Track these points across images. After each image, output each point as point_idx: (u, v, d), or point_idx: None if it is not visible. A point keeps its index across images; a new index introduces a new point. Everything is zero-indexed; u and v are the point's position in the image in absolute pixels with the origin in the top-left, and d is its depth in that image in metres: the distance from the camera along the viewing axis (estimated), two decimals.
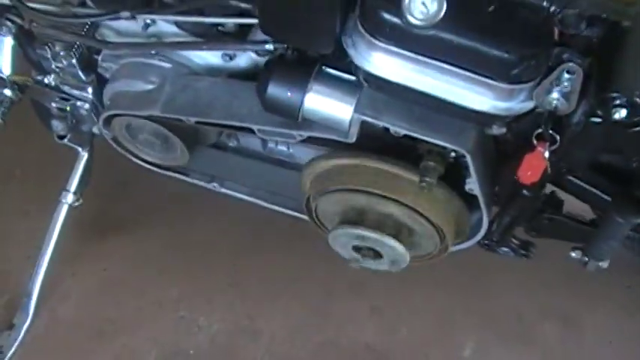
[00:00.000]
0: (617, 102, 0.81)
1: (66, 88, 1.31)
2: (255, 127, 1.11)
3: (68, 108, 1.31)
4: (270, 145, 1.32)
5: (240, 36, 1.12)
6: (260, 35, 1.07)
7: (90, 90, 1.29)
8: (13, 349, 1.39)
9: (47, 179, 1.56)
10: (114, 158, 1.34)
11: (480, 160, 1.04)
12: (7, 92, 1.33)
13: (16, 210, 1.58)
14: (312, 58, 1.03)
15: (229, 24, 1.11)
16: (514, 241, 1.25)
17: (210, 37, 1.13)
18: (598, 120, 0.94)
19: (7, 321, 1.42)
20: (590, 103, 0.92)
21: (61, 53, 1.23)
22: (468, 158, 1.02)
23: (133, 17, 1.11)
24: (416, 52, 0.90)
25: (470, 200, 1.13)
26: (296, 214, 1.31)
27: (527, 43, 0.87)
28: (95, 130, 1.36)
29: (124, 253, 1.54)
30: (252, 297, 1.50)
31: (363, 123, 1.03)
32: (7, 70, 1.30)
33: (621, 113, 0.82)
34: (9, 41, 1.26)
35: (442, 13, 0.84)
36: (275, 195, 1.33)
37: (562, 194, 1.17)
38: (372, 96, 1.01)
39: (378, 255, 1.19)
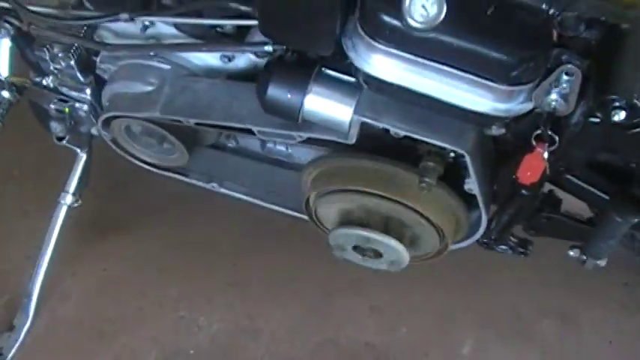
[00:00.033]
0: (617, 104, 0.82)
1: (64, 90, 1.31)
2: (255, 129, 1.12)
3: (67, 110, 1.31)
4: (269, 145, 1.32)
5: (239, 37, 1.13)
6: (258, 36, 1.07)
7: (88, 91, 1.29)
8: (13, 351, 1.39)
9: (46, 180, 1.57)
10: (113, 159, 1.34)
11: (479, 160, 1.04)
12: (6, 94, 1.33)
13: (15, 210, 1.58)
14: (311, 59, 1.03)
15: (228, 25, 1.11)
16: (512, 239, 1.25)
17: (209, 38, 1.13)
18: (596, 120, 0.95)
19: (7, 322, 1.42)
20: (589, 103, 0.92)
21: (60, 55, 1.23)
22: (468, 159, 1.02)
23: (132, 19, 1.12)
24: (416, 55, 0.91)
25: (468, 199, 1.14)
26: (295, 213, 1.32)
27: (527, 46, 0.87)
28: (94, 131, 1.36)
29: (123, 253, 1.54)
30: (252, 297, 1.50)
31: (363, 124, 1.03)
32: (5, 72, 1.30)
33: (620, 115, 0.82)
34: (7, 43, 1.26)
35: (442, 16, 0.84)
36: (274, 195, 1.34)
37: (560, 193, 1.18)
38: (371, 97, 1.01)
39: (378, 254, 1.19)
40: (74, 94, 1.31)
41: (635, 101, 0.82)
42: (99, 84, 1.27)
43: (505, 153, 1.09)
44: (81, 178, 1.41)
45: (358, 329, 1.47)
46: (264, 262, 1.53)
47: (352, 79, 1.01)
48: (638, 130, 0.87)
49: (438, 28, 0.86)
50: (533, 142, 0.94)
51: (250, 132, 1.15)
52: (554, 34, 0.88)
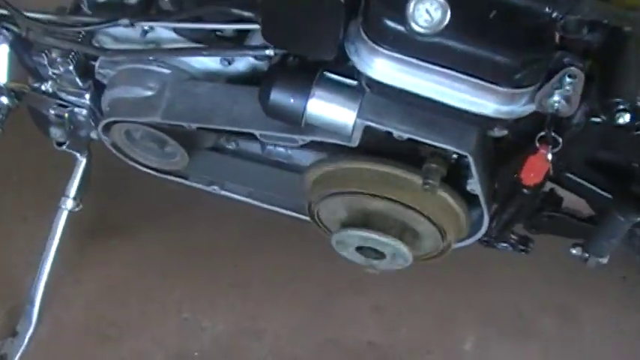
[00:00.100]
0: (621, 107, 0.83)
1: (63, 95, 1.30)
2: (257, 132, 1.12)
3: (66, 115, 1.30)
4: (269, 147, 1.32)
5: (239, 41, 1.13)
6: (259, 40, 1.07)
7: (87, 96, 1.29)
8: (17, 357, 1.38)
9: (44, 185, 1.56)
10: (114, 163, 1.33)
11: (481, 161, 1.05)
12: (4, 100, 1.33)
13: (14, 216, 1.58)
14: (313, 63, 1.03)
15: (228, 29, 1.11)
16: (513, 236, 1.26)
17: (209, 42, 1.14)
18: (597, 120, 0.96)
19: (10, 328, 1.42)
20: (591, 104, 0.93)
21: (58, 60, 1.22)
22: (471, 160, 1.03)
23: (132, 25, 1.11)
24: (419, 59, 0.91)
25: (470, 199, 1.15)
26: (296, 215, 1.32)
27: (530, 49, 0.87)
28: (93, 135, 1.36)
29: (125, 257, 1.54)
30: (253, 298, 1.51)
31: (366, 127, 1.04)
32: (3, 79, 1.30)
33: (625, 118, 0.83)
34: (5, 49, 1.25)
35: (446, 21, 0.84)
36: (274, 196, 1.34)
37: (561, 191, 1.19)
38: (374, 101, 1.02)
39: (381, 255, 1.20)
40: (73, 99, 1.30)
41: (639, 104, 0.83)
42: (98, 89, 1.27)
43: (505, 152, 1.10)
44: (81, 183, 1.40)
45: (360, 329, 1.48)
46: (265, 263, 1.54)
47: (354, 83, 1.01)
48: None
49: (441, 32, 0.86)
50: (537, 144, 0.94)
51: (252, 135, 1.15)
52: (557, 36, 0.88)
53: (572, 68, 0.87)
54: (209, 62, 1.16)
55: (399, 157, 1.10)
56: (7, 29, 1.23)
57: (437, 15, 0.84)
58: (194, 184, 1.36)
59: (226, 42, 1.14)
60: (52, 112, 1.31)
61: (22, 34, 1.19)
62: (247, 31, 1.11)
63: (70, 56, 1.21)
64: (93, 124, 1.32)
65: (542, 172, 0.97)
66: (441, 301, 1.50)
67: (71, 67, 1.23)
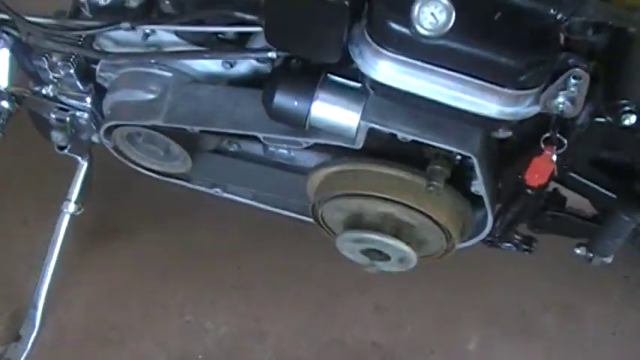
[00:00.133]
0: (627, 108, 0.83)
1: (64, 99, 1.30)
2: (261, 135, 1.12)
3: (68, 119, 1.30)
4: (271, 148, 1.32)
5: (241, 43, 1.12)
6: (260, 42, 1.07)
7: (88, 100, 1.28)
8: None
9: (45, 188, 1.56)
10: (115, 165, 1.33)
11: (485, 162, 1.05)
12: (5, 104, 1.32)
13: (15, 220, 1.58)
14: (316, 66, 1.03)
15: (230, 32, 1.11)
16: (516, 236, 1.26)
17: (210, 45, 1.13)
18: (602, 120, 0.96)
19: (13, 333, 1.41)
20: (595, 104, 0.93)
21: (59, 64, 1.22)
22: (475, 162, 1.03)
23: (134, 28, 1.11)
24: (424, 61, 0.91)
25: (474, 199, 1.15)
26: (299, 216, 1.32)
27: (535, 51, 0.88)
28: (94, 138, 1.35)
29: (127, 259, 1.54)
30: (256, 299, 1.51)
31: (370, 129, 1.04)
32: (4, 83, 1.29)
33: (631, 119, 0.83)
34: (6, 54, 1.25)
35: (451, 24, 0.84)
36: (277, 198, 1.34)
37: (564, 190, 1.19)
38: (378, 103, 1.01)
39: (386, 257, 1.20)
40: (74, 102, 1.30)
41: None
42: (99, 92, 1.26)
43: (509, 153, 1.10)
44: (83, 186, 1.40)
45: (364, 329, 1.48)
46: (268, 265, 1.54)
47: (358, 85, 1.01)
48: None
49: (446, 35, 0.86)
50: (542, 145, 0.95)
51: (254, 138, 1.15)
52: (561, 38, 0.88)
53: (577, 69, 0.87)
54: (210, 65, 1.16)
55: (402, 159, 1.10)
56: (8, 33, 1.22)
57: (442, 17, 0.84)
58: (196, 187, 1.35)
59: (228, 45, 1.13)
60: (54, 115, 1.31)
61: (23, 39, 1.18)
62: (249, 33, 1.11)
63: (71, 60, 1.21)
64: (94, 127, 1.31)
65: (546, 174, 0.97)
66: (444, 300, 1.51)
67: (72, 71, 1.22)
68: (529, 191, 1.09)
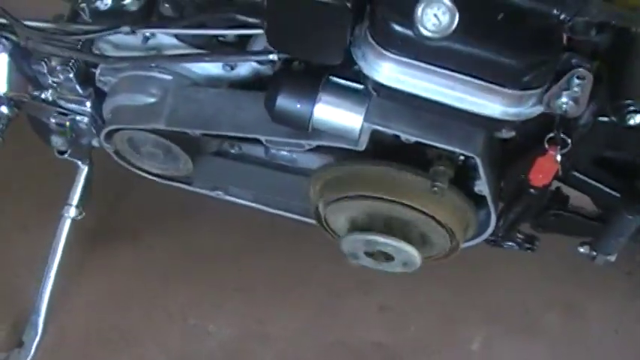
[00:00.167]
0: (632, 108, 0.83)
1: (63, 103, 1.29)
2: (263, 138, 1.11)
3: (67, 124, 1.29)
4: (273, 150, 1.32)
5: (241, 46, 1.12)
6: (261, 45, 1.07)
7: (88, 104, 1.28)
8: None
9: (45, 193, 1.55)
10: (115, 168, 1.33)
11: (488, 162, 1.05)
12: (4, 109, 1.32)
13: (15, 225, 1.57)
14: (318, 68, 1.03)
15: (230, 35, 1.11)
16: (519, 235, 1.26)
17: (211, 48, 1.13)
18: (605, 119, 0.96)
19: (16, 339, 1.41)
20: (598, 104, 0.93)
21: (58, 68, 1.21)
22: (478, 162, 1.03)
23: (133, 32, 1.11)
24: (427, 62, 0.91)
25: (477, 199, 1.14)
26: (301, 218, 1.32)
27: (538, 51, 0.87)
28: (95, 142, 1.35)
29: (128, 262, 1.53)
30: (259, 301, 1.50)
31: (373, 131, 1.03)
32: (3, 88, 1.28)
33: (636, 119, 0.83)
34: (4, 58, 1.24)
35: (454, 25, 0.84)
36: (279, 200, 1.33)
37: (565, 188, 1.19)
38: (381, 104, 1.01)
39: (390, 258, 1.20)
40: (74, 107, 1.29)
41: None
42: (99, 96, 1.26)
43: (512, 153, 1.10)
44: (83, 191, 1.40)
45: (367, 329, 1.48)
46: (270, 267, 1.53)
47: (360, 87, 1.01)
48: None
49: (449, 36, 0.86)
50: (546, 145, 0.94)
51: (256, 140, 1.15)
52: (564, 38, 0.88)
53: (581, 69, 0.87)
54: (211, 68, 1.16)
55: (406, 160, 1.10)
56: (7, 38, 1.21)
57: (445, 19, 0.84)
58: (198, 190, 1.35)
59: (229, 47, 1.13)
60: (53, 120, 1.30)
61: (22, 43, 1.18)
62: (249, 36, 1.11)
63: (70, 64, 1.20)
64: (94, 131, 1.31)
65: (551, 174, 0.97)
66: (447, 300, 1.50)
67: (71, 75, 1.22)
68: (532, 191, 1.09)
